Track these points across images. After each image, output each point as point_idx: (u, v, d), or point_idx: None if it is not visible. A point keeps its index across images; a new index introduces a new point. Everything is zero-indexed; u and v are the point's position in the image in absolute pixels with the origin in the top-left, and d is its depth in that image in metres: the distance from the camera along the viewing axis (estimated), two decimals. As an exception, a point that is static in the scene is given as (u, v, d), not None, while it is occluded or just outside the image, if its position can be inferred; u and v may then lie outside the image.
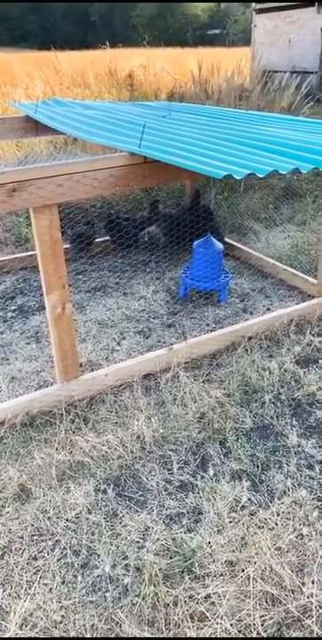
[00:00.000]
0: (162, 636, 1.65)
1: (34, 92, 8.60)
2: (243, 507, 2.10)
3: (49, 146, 6.23)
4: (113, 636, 1.66)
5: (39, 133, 4.12)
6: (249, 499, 2.14)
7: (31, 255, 4.26)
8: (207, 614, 1.70)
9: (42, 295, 2.57)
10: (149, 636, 1.65)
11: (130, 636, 1.65)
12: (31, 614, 1.71)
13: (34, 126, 4.04)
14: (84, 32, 43.24)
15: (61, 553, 1.94)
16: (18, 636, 1.65)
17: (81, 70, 10.44)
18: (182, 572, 1.85)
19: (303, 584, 1.79)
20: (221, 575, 1.83)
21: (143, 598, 1.76)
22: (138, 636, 1.65)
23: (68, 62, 11.80)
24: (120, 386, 2.80)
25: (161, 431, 2.48)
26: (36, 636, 1.65)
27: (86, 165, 2.40)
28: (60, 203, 2.42)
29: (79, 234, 4.37)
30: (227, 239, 4.55)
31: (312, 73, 10.01)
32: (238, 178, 2.20)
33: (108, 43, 13.35)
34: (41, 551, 1.94)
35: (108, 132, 2.99)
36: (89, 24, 46.17)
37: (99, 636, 1.66)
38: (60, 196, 2.35)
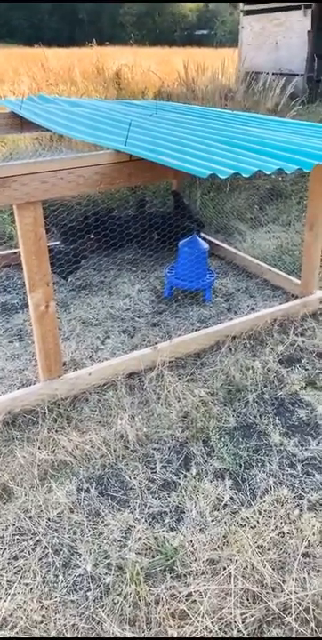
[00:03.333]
0: (143, 634, 1.65)
1: (20, 88, 8.52)
2: (225, 505, 2.11)
3: (34, 142, 6.17)
4: (94, 635, 1.65)
5: (24, 130, 4.09)
6: (231, 497, 2.15)
7: (15, 252, 4.22)
8: (189, 612, 1.71)
9: (25, 293, 2.55)
10: (130, 635, 1.65)
11: (111, 635, 1.65)
12: (11, 614, 1.70)
13: (19, 122, 4.01)
14: (72, 29, 42.95)
15: (43, 552, 1.92)
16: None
17: (68, 67, 10.37)
18: (164, 570, 1.85)
19: (284, 582, 1.81)
20: (203, 573, 1.84)
21: (125, 597, 1.75)
22: (119, 635, 1.65)
23: (55, 59, 11.72)
24: (104, 385, 2.79)
25: (144, 430, 2.48)
26: (16, 636, 1.63)
27: (71, 162, 2.39)
28: (45, 200, 2.40)
29: (71, 227, 4.30)
30: (212, 239, 4.56)
31: (298, 75, 10.07)
32: (223, 177, 2.21)
33: (95, 40, 13.31)
34: (22, 551, 1.93)
35: (94, 130, 2.98)
36: (77, 21, 45.86)
37: (80, 637, 1.65)
38: (45, 192, 2.33)
